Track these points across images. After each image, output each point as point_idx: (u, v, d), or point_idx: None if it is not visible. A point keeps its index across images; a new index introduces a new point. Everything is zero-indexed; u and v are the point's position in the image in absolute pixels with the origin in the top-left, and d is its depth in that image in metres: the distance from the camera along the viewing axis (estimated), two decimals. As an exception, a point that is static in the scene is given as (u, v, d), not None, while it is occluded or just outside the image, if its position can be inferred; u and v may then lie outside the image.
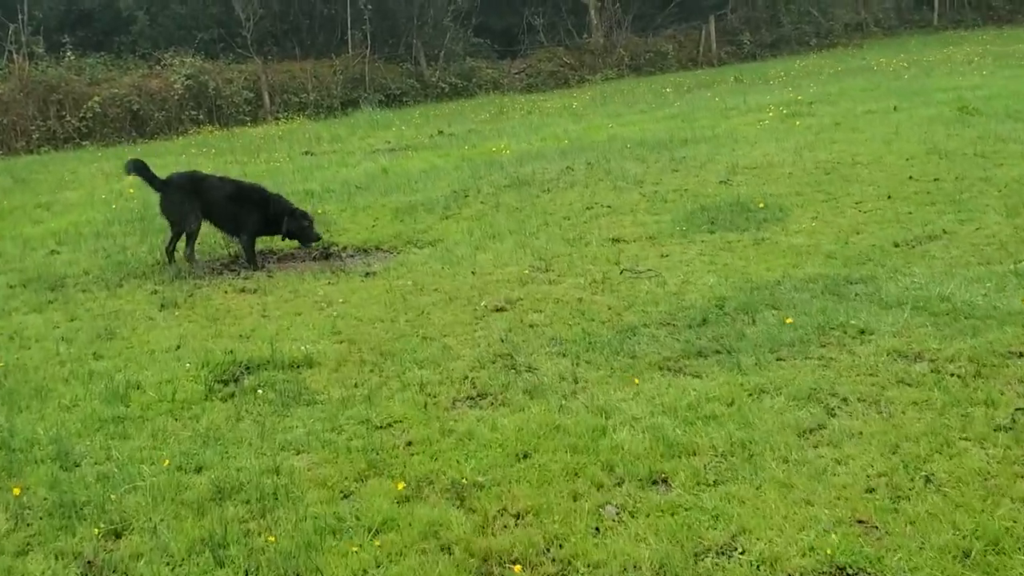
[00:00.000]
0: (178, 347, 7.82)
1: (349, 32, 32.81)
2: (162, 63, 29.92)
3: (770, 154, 13.08)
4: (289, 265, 10.88)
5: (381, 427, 5.95)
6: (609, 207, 11.24)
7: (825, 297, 7.40)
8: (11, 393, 7.01)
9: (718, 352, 6.52)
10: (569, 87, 34.22)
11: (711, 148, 14.20)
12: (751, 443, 5.21)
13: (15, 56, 27.73)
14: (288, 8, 33.73)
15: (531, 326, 7.49)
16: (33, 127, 26.82)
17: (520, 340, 7.18)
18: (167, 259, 10.90)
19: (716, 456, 5.13)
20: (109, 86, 28.33)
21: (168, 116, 28.49)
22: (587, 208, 11.36)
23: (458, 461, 5.35)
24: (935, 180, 10.67)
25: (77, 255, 11.70)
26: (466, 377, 6.61)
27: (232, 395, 6.72)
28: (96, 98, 27.54)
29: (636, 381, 6.11)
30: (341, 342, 7.59)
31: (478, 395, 6.31)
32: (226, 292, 9.50)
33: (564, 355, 6.79)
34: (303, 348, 7.41)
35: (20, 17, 29.02)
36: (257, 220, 10.74)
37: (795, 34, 38.81)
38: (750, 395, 5.80)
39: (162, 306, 9.09)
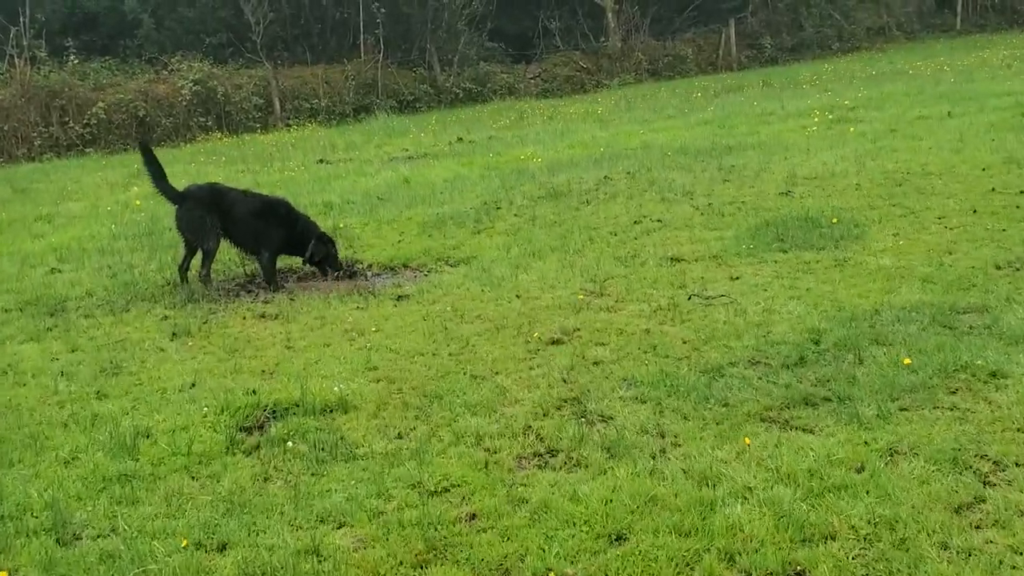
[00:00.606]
0: (193, 385, 6.88)
1: (361, 37, 31.90)
2: (169, 68, 29.03)
3: (829, 163, 12.13)
4: (311, 285, 9.96)
5: (436, 493, 5.00)
6: (660, 221, 10.29)
7: (935, 330, 6.44)
8: (1, 442, 6.07)
9: (828, 400, 5.56)
10: (586, 92, 33.32)
11: (761, 156, 13.26)
12: (898, 523, 4.26)
13: (16, 60, 26.84)
14: (299, 12, 32.82)
15: (596, 363, 6.53)
16: (35, 134, 25.95)
17: (586, 381, 6.22)
18: (180, 279, 9.98)
19: (859, 541, 4.18)
20: (114, 91, 27.46)
21: (175, 122, 27.61)
22: (635, 222, 10.41)
23: (539, 544, 4.38)
24: (1021, 192, 9.72)
25: (80, 274, 10.78)
26: (529, 427, 5.65)
27: (257, 447, 5.78)
28: (100, 104, 26.66)
29: (747, 441, 5.12)
30: (378, 380, 6.65)
31: (547, 452, 5.35)
32: (244, 318, 8.56)
33: (642, 401, 5.84)
34: (336, 388, 6.46)
35: (22, 20, 28.14)
36: (281, 238, 9.83)
37: (817, 38, 37.86)
38: (881, 457, 4.83)
39: (174, 335, 8.16)
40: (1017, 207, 9.22)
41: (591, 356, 6.66)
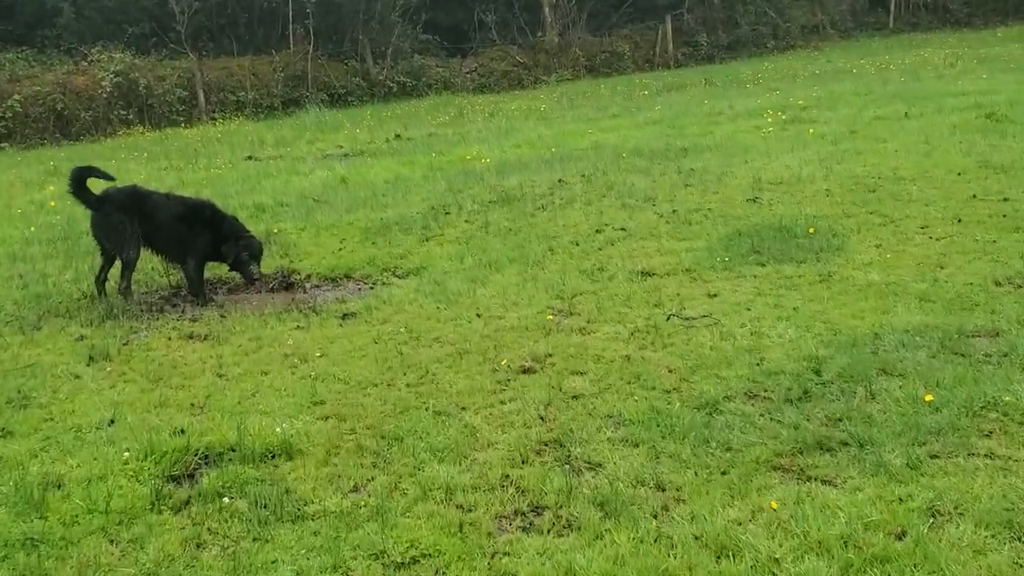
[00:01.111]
0: (112, 422, 6.02)
1: (291, 27, 30.80)
2: (89, 59, 27.66)
3: (793, 167, 11.55)
4: (243, 299, 9.11)
5: (403, 565, 4.25)
6: (623, 230, 9.60)
7: (947, 358, 5.83)
8: None
9: (846, 444, 4.90)
10: (524, 87, 32.62)
11: (720, 159, 12.65)
12: (960, 607, 3.59)
13: (-76, 49, 25.32)
14: (225, 1, 31.58)
15: (575, 397, 5.81)
16: (-55, 127, 24.46)
17: (567, 419, 5.50)
18: (97, 292, 9.05)
19: (918, 633, 3.50)
20: (31, 83, 26.05)
21: (95, 116, 26.29)
22: (597, 231, 9.71)
23: (536, 640, 3.65)
24: (1005, 200, 9.22)
25: (-14, 285, 9.75)
26: (507, 478, 4.91)
27: (188, 502, 4.96)
28: (16, 96, 25.26)
29: (773, 505, 4.42)
30: (327, 417, 5.86)
31: (531, 509, 4.62)
32: (170, 339, 7.68)
33: (634, 444, 5.13)
34: (278, 428, 5.65)
35: (-70, 6, 26.60)
36: (207, 244, 8.97)
37: (752, 36, 37.62)
38: (922, 519, 4.17)
39: (91, 358, 7.27)
40: (1004, 216, 8.71)
41: (569, 388, 5.93)
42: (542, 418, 5.55)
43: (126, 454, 5.44)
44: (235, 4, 31.76)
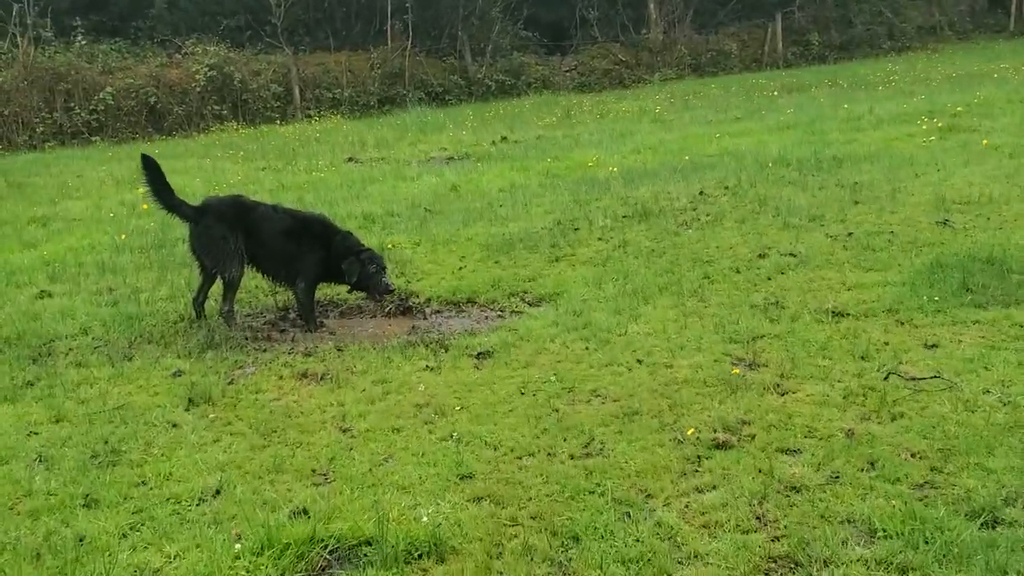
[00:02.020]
0: (217, 492, 4.97)
1: (389, 22, 29.90)
2: (183, 51, 27.10)
3: (977, 183, 10.13)
4: (358, 325, 8.04)
5: None
6: (793, 256, 8.31)
7: None
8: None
9: None
10: (625, 87, 31.33)
11: (884, 171, 11.26)
12: None
13: (19, 40, 24.87)
14: (322, -6, 30.85)
15: (795, 488, 4.57)
16: (37, 119, 24.02)
17: (793, 522, 4.26)
18: (196, 314, 8.06)
19: None
20: (123, 76, 25.51)
21: (188, 111, 25.68)
22: (759, 255, 8.43)
23: None
24: None
25: (74, 300, 8.85)
26: (734, 612, 3.69)
27: (318, 623, 3.83)
28: (109, 89, 24.73)
29: None
30: (479, 499, 4.71)
31: (779, 667, 3.39)
32: (281, 377, 6.62)
33: (901, 571, 3.87)
34: (423, 514, 4.51)
35: (27, -3, 26.22)
36: (318, 262, 7.94)
37: (867, 36, 35.79)
38: None
39: (191, 401, 6.23)
40: None
41: (784, 474, 4.68)
42: (759, 518, 4.32)
43: (237, 546, 4.34)
44: (332, -2, 31.03)
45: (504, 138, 18.38)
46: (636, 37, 33.28)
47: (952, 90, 19.10)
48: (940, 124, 14.11)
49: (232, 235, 7.76)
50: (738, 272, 8.09)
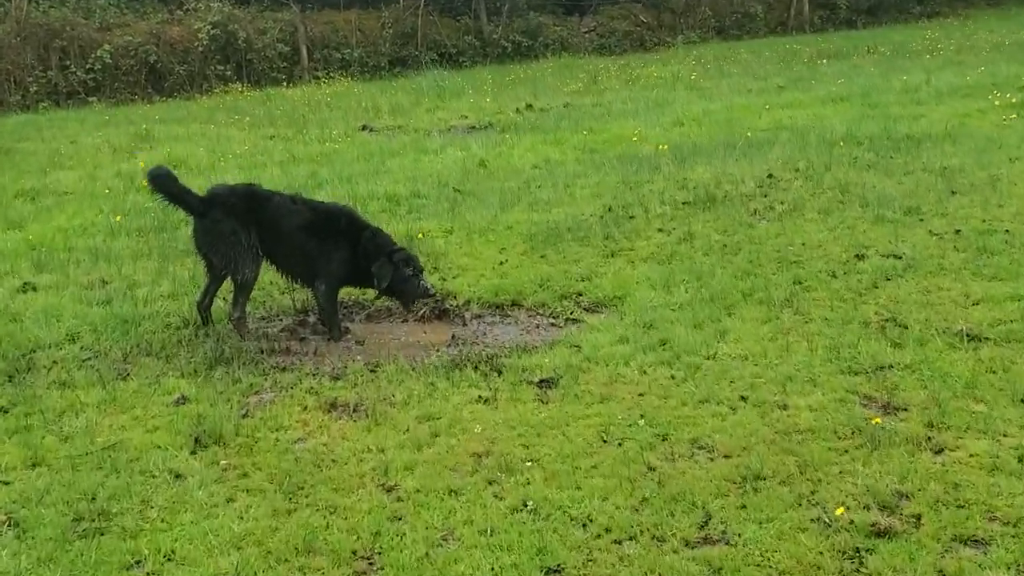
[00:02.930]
0: (234, 581, 3.85)
1: (400, -21, 28.50)
2: (184, 8, 25.73)
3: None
4: (387, 330, 6.92)
5: None
6: (897, 258, 7.16)
7: None
8: None
9: None
10: (646, 50, 30.02)
11: (970, 154, 10.08)
12: None
13: (12, -6, 23.56)
14: (330, -51, 29.38)
15: (998, 604, 3.43)
16: (31, 78, 22.75)
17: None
18: (202, 320, 6.93)
19: None
20: (122, 33, 24.19)
21: (190, 71, 24.39)
22: (857, 256, 7.29)
23: None
24: None
25: (61, 297, 7.72)
26: None
27: None
28: (106, 46, 23.42)
29: None
30: (575, 605, 3.59)
31: None
32: (305, 408, 5.51)
33: None
34: (506, 634, 3.39)
35: (20, -52, 24.80)
36: (343, 262, 6.80)
37: (895, 0, 34.28)
38: None
39: (197, 441, 5.13)
40: None
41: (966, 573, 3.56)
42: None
43: None
44: (341, -48, 29.55)
45: (529, 106, 17.15)
46: (658, -2, 31.87)
47: (1008, 61, 17.77)
48: (1013, 100, 12.88)
49: (244, 230, 6.61)
50: (834, 277, 6.95)
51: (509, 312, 7.22)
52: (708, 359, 5.78)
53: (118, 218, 9.84)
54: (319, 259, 6.76)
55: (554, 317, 7.01)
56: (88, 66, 23.24)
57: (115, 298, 7.60)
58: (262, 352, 6.46)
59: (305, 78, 25.49)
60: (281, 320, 7.28)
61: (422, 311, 7.34)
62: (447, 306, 7.39)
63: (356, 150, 13.62)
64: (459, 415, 5.26)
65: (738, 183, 9.59)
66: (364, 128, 16.15)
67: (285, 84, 24.55)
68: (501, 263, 8.08)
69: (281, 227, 6.70)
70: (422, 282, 6.81)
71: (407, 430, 5.12)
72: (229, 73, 24.75)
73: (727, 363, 5.70)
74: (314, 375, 5.97)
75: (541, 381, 5.66)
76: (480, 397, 5.49)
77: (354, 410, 5.42)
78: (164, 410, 5.53)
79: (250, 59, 25.16)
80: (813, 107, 14.08)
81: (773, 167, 10.13)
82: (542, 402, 5.38)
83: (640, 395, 5.36)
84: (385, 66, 26.81)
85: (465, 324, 7.14)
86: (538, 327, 6.88)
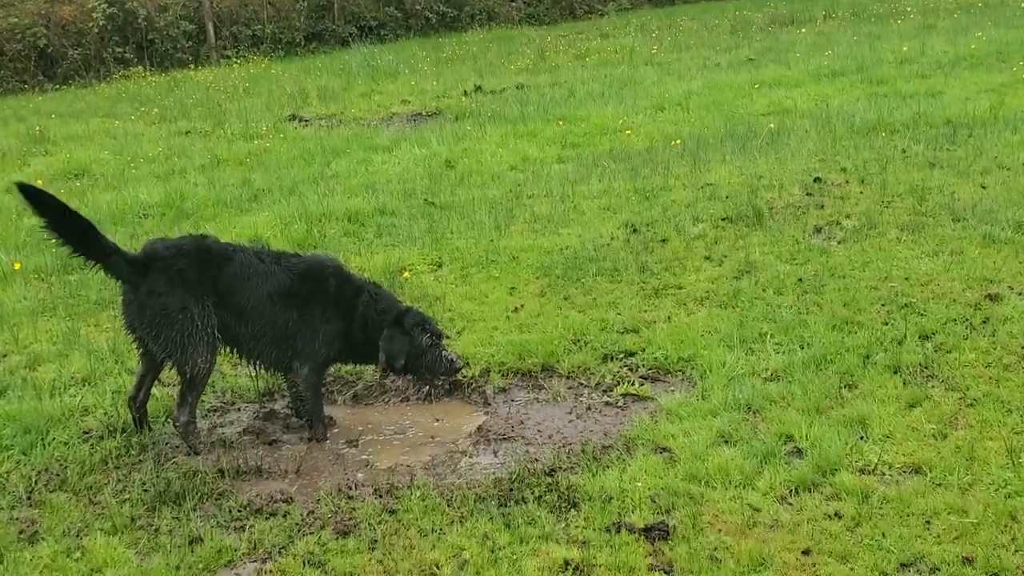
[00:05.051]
0: None
1: (313, -53, 26.16)
2: (76, -16, 23.10)
3: None
4: (385, 419, 5.19)
5: None
6: (1031, 298, 5.56)
7: None
8: None
9: None
10: (576, 18, 28.41)
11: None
12: None
13: None
14: (234, -85, 26.88)
15: None
16: (-101, 68, 20.03)
17: None
18: (136, 423, 5.03)
19: None
20: (6, 15, 21.58)
21: (86, 54, 21.89)
22: (989, 297, 5.68)
23: None
24: None
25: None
26: None
27: None
28: (-12, 30, 20.76)
29: None
30: None
31: None
32: (306, 592, 3.67)
33: None
34: None
35: None
36: (334, 337, 4.96)
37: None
38: None
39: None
40: None
41: None
42: None
43: None
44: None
45: (478, 87, 15.27)
46: (586, -38, 30.11)
47: (995, 24, 16.35)
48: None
49: (197, 306, 4.71)
50: (973, 329, 5.33)
51: (543, 382, 5.51)
52: (867, 475, 4.12)
53: (16, 265, 7.74)
54: (299, 336, 4.92)
55: (606, 391, 5.32)
56: (-33, 53, 20.60)
57: (11, 386, 5.63)
58: (223, 475, 4.60)
59: (214, 58, 23.16)
60: (239, 411, 5.42)
61: (426, 387, 5.56)
62: (460, 377, 5.61)
63: (291, 148, 11.63)
64: (545, 604, 3.50)
65: (778, 189, 7.92)
66: (294, 118, 14.14)
67: (192, 66, 22.19)
68: (515, 309, 6.32)
69: (247, 296, 4.83)
70: (444, 353, 5.06)
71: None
72: (129, 55, 22.30)
73: (900, 484, 4.04)
74: (309, 525, 4.14)
75: (648, 529, 3.92)
76: (567, 563, 3.73)
77: (378, 591, 3.62)
78: (91, 604, 3.66)
79: (152, 39, 22.73)
80: (807, 85, 12.48)
81: (812, 166, 8.49)
82: (664, 572, 3.65)
83: (804, 553, 3.67)
84: (300, 42, 24.61)
85: (488, 404, 5.42)
86: (590, 409, 5.17)
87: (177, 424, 4.89)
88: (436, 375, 5.18)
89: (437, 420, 5.31)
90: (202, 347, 4.73)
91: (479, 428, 5.09)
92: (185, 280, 4.71)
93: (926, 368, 4.97)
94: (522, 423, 5.08)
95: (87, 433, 5.06)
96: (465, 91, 15.13)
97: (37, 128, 13.69)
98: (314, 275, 5.01)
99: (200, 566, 3.86)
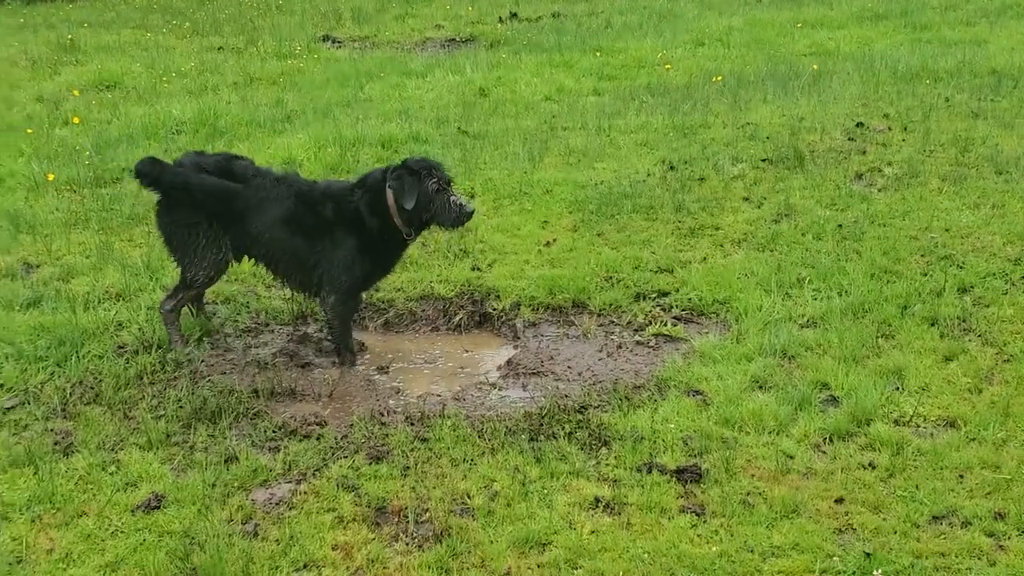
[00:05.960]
0: None
1: None
2: None
3: None
4: (415, 347, 5.19)
5: None
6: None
7: None
8: None
9: None
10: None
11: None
12: None
13: None
14: None
15: None
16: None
17: None
18: (171, 339, 5.07)
19: None
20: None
21: (117, -37, 21.56)
22: (1035, 257, 5.60)
23: None
24: None
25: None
26: None
27: None
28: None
29: None
30: None
31: None
32: (340, 520, 3.70)
33: None
34: None
35: None
36: (353, 258, 4.87)
37: None
38: None
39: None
40: None
41: None
42: None
43: None
44: None
45: (514, 15, 15.07)
46: None
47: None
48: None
49: (207, 223, 4.72)
50: (1011, 284, 5.27)
51: (573, 318, 5.48)
52: (901, 426, 4.10)
53: (51, 176, 7.72)
54: (321, 260, 4.91)
55: (638, 331, 5.29)
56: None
57: (45, 297, 5.65)
58: (257, 395, 4.63)
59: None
60: (272, 333, 5.43)
61: (458, 317, 5.56)
62: (489, 309, 5.60)
63: (324, 70, 11.53)
64: (578, 539, 3.52)
65: (820, 132, 7.81)
66: (327, 39, 14.00)
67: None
68: (547, 244, 6.29)
69: (262, 218, 4.83)
70: (453, 197, 4.89)
71: (507, 573, 3.37)
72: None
73: (934, 437, 4.03)
74: (343, 449, 4.16)
75: (680, 471, 3.92)
76: (598, 501, 3.74)
77: (417, 524, 3.64)
78: (129, 521, 3.70)
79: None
80: (850, 27, 12.26)
81: (854, 111, 8.36)
82: (696, 514, 3.65)
83: (837, 502, 3.67)
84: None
85: (518, 337, 5.40)
86: (620, 347, 5.14)
87: (162, 307, 5.08)
88: (445, 224, 4.93)
89: (467, 351, 5.32)
90: (205, 262, 4.95)
91: (509, 361, 5.09)
92: (196, 200, 4.79)
93: (963, 321, 4.93)
94: (552, 359, 5.07)
95: (122, 348, 5.08)
96: (500, 18, 14.94)
97: (68, 37, 13.59)
98: (334, 195, 4.92)
99: (236, 484, 3.89)
